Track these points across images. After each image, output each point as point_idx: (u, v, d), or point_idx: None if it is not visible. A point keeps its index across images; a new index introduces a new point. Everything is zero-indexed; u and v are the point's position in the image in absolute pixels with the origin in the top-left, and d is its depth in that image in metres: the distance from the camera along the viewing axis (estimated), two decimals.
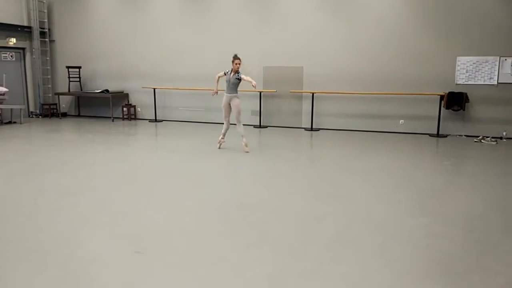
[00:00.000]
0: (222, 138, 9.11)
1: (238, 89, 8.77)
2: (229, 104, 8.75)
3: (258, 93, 12.25)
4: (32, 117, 14.48)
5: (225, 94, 8.76)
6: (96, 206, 5.30)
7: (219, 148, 9.04)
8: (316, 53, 11.84)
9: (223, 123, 9.05)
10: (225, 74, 8.72)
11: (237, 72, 8.54)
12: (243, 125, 8.93)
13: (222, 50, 12.54)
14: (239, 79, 8.55)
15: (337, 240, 4.28)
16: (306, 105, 12.18)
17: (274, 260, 3.83)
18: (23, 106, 13.47)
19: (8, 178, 6.64)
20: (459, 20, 10.62)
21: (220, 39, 12.71)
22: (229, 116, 8.90)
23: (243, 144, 8.72)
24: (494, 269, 3.69)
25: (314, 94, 11.77)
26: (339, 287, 3.38)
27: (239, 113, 8.67)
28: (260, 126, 12.40)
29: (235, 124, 8.83)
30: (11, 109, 12.87)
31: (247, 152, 8.62)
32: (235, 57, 8.52)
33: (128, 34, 13.76)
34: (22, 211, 5.10)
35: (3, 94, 12.34)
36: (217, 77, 8.92)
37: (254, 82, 8.42)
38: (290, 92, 12.10)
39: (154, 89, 13.38)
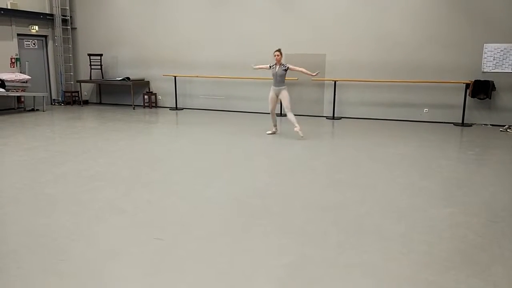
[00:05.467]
0: (275, 129, 9.45)
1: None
2: (277, 96, 8.94)
3: None
4: (54, 104, 14.61)
5: (272, 87, 8.96)
6: (117, 193, 5.31)
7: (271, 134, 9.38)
8: (339, 41, 11.64)
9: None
10: (270, 67, 8.94)
11: (281, 64, 8.76)
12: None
13: (243, 37, 12.48)
14: (286, 70, 8.75)
15: (358, 228, 4.21)
16: (328, 93, 12.02)
17: (294, 248, 3.78)
18: (46, 94, 13.58)
19: (31, 165, 6.71)
20: (486, 6, 10.31)
21: (242, 26, 12.61)
22: (275, 108, 9.22)
23: (297, 130, 8.75)
24: None
25: (337, 82, 11.61)
26: (359, 276, 3.31)
27: (289, 102, 8.83)
28: (281, 115, 12.27)
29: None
30: (34, 96, 13.03)
31: (302, 137, 8.72)
32: (277, 50, 8.77)
33: (149, 22, 13.74)
34: (43, 198, 5.14)
35: (26, 82, 12.49)
36: (259, 66, 9.22)
37: (309, 73, 8.85)
38: (312, 80, 11.94)
39: (175, 77, 13.36)
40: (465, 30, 10.55)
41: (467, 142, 8.98)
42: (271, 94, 8.99)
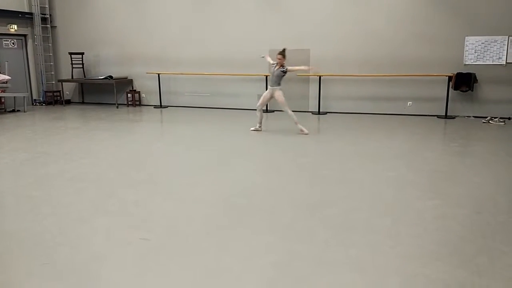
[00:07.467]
0: (259, 126, 9.30)
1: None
2: (271, 96, 9.00)
3: (264, 77, 12.08)
4: (35, 105, 14.39)
5: (269, 86, 9.16)
6: (102, 194, 5.25)
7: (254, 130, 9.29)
8: (323, 35, 11.63)
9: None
10: (270, 65, 9.04)
11: (282, 66, 8.72)
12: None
13: (228, 33, 12.41)
14: (284, 72, 8.73)
15: (345, 223, 4.22)
16: (313, 89, 12.02)
17: (281, 245, 3.76)
18: (26, 94, 13.36)
19: (13, 167, 6.60)
20: None
21: (226, 22, 12.54)
22: (264, 106, 9.36)
23: (300, 128, 8.87)
24: (501, 250, 3.63)
25: (322, 77, 11.62)
26: (347, 271, 3.31)
27: (283, 103, 8.87)
28: (266, 111, 12.26)
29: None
30: (14, 97, 12.81)
31: (307, 134, 8.81)
32: (279, 52, 8.75)
33: (131, 19, 13.59)
34: (26, 200, 5.05)
35: (6, 82, 12.27)
36: (267, 57, 9.50)
37: (307, 68, 9.22)
38: (297, 75, 11.93)
39: (159, 74, 13.26)
40: (446, 24, 10.62)
41: (450, 134, 9.07)
42: (267, 92, 9.13)
